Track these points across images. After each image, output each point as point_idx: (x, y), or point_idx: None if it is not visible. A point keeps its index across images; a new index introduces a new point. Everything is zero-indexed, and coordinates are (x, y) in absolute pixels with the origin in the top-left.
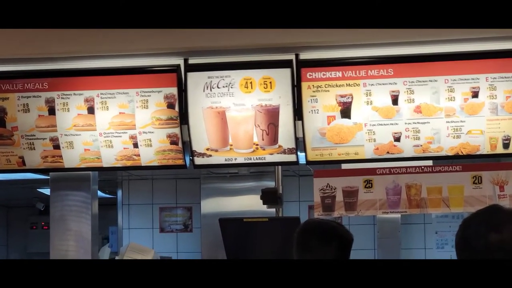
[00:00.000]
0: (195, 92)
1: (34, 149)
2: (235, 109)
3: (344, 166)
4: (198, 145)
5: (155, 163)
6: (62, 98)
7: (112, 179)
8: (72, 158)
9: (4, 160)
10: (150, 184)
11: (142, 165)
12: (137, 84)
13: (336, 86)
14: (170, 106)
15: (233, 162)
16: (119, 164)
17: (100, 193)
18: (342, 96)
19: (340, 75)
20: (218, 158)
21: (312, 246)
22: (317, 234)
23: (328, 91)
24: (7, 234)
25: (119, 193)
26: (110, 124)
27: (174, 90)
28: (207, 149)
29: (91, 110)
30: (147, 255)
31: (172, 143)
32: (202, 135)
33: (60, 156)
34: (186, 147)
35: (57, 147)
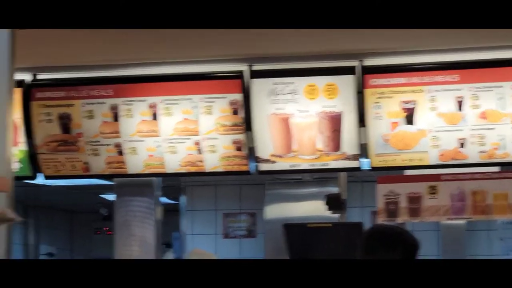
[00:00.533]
0: (260, 98)
1: (99, 155)
2: (299, 116)
3: (408, 172)
4: (262, 151)
5: (220, 169)
6: (126, 104)
7: (175, 185)
8: (136, 164)
9: (69, 166)
10: (213, 190)
11: (206, 171)
12: (201, 90)
13: (400, 92)
14: (235, 112)
15: (297, 168)
16: (183, 170)
17: (163, 199)
18: (406, 102)
19: (404, 81)
20: (282, 164)
21: (377, 251)
22: (382, 240)
23: (392, 97)
24: (71, 239)
25: (183, 199)
26: (174, 130)
27: (238, 96)
28: (272, 155)
29: (155, 116)
30: None
31: (237, 149)
32: (267, 141)
33: (124, 162)
34: (250, 153)
35: (121, 153)
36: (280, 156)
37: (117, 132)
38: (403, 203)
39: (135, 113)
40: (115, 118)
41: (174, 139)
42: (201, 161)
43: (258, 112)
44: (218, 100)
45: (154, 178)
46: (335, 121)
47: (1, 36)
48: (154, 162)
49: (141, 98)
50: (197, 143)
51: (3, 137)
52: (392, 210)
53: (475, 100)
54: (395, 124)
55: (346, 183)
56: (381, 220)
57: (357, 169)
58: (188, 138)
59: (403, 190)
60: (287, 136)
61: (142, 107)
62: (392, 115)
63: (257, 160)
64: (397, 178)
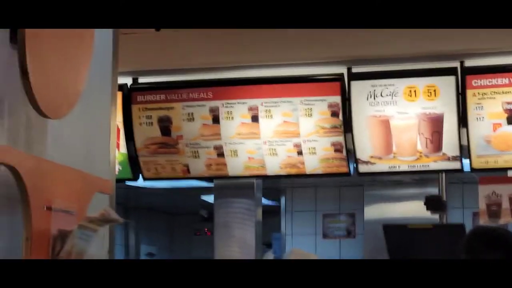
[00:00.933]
0: (359, 100)
1: (199, 157)
2: (399, 118)
3: (510, 173)
4: (362, 153)
5: (319, 171)
6: (226, 107)
7: (275, 187)
8: (236, 166)
9: (170, 169)
10: (313, 192)
11: (307, 173)
12: (301, 92)
13: (503, 93)
14: (334, 114)
15: (397, 169)
16: (283, 172)
17: (264, 200)
18: (509, 103)
19: (507, 81)
20: (381, 166)
21: (479, 252)
22: (485, 241)
23: (494, 98)
24: (171, 240)
25: (283, 200)
26: (274, 132)
27: (337, 99)
28: (371, 157)
29: (255, 119)
30: None
31: (336, 151)
32: (366, 143)
33: (225, 164)
34: (350, 155)
35: (221, 155)
36: (379, 158)
37: (217, 134)
38: (505, 204)
39: (235, 116)
40: (215, 120)
41: (275, 141)
42: (301, 163)
43: (357, 114)
44: (317, 102)
45: (255, 180)
46: (435, 123)
47: (105, 39)
48: (255, 164)
49: (241, 101)
50: (297, 145)
51: (107, 140)
52: (494, 211)
53: None
54: (497, 125)
55: (446, 184)
56: (483, 221)
57: (458, 170)
58: (288, 141)
59: (505, 191)
60: (387, 138)
61: (242, 110)
62: (494, 116)
63: (356, 161)
64: (499, 179)
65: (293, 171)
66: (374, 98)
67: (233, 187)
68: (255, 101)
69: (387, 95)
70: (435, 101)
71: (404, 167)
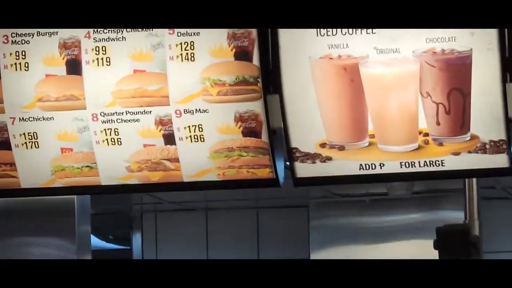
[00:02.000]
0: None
1: None
2: (380, 62)
3: None
4: (302, 138)
5: (212, 177)
6: (12, 42)
7: (118, 211)
8: (36, 168)
9: None
10: (200, 220)
11: (184, 180)
12: None
13: None
14: (242, 56)
15: (377, 171)
16: (134, 179)
17: (99, 242)
18: None
19: None
20: (344, 165)
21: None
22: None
23: None
24: None
25: (136, 239)
26: (114, 94)
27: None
28: (322, 146)
29: (73, 66)
30: None
31: (248, 133)
32: (311, 118)
33: (13, 166)
34: (276, 142)
35: (3, 145)
36: (340, 148)
37: None
38: None
39: (32, 61)
40: None
41: (116, 112)
42: (172, 159)
43: (292, 55)
44: (206, 34)
45: (75, 198)
46: (456, 72)
47: None
48: (75, 163)
49: (41, 32)
50: (162, 122)
51: None
52: None
53: None
54: None
55: (477, 202)
56: None
57: (505, 172)
58: (144, 112)
59: None
60: (355, 106)
61: (44, 49)
62: None
63: (291, 156)
64: None
65: (156, 176)
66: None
67: (29, 211)
68: (73, 33)
69: None
70: (453, 31)
71: (391, 166)
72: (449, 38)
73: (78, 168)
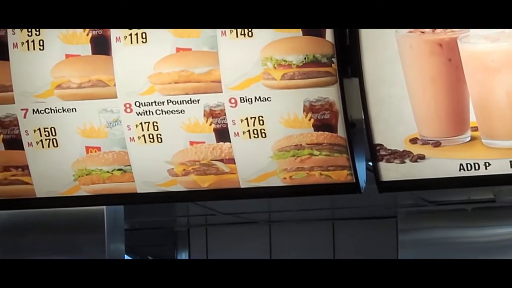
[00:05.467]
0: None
1: None
2: (485, 38)
3: None
4: (388, 133)
5: (277, 181)
6: None
7: (157, 224)
8: (56, 172)
9: None
10: (263, 236)
11: (242, 186)
12: None
13: None
14: (313, 32)
15: (481, 172)
16: (179, 185)
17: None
18: None
19: None
20: (441, 164)
21: None
22: None
23: None
24: None
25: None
26: (152, 79)
27: None
28: (412, 142)
29: (102, 46)
30: None
31: (320, 127)
32: (399, 108)
33: (27, 170)
34: (355, 137)
35: (15, 144)
36: (435, 143)
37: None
38: None
39: (49, 41)
40: None
41: (154, 102)
42: (226, 160)
43: (375, 33)
44: None
45: (105, 209)
46: None
47: None
48: (104, 165)
49: None
50: (214, 113)
51: None
52: None
53: None
54: None
55: None
56: None
57: None
58: (191, 99)
59: None
60: (453, 93)
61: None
62: None
63: (374, 155)
64: None
65: (205, 181)
66: None
67: (46, 226)
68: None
69: None
70: None
71: (499, 166)
72: None
73: (108, 172)
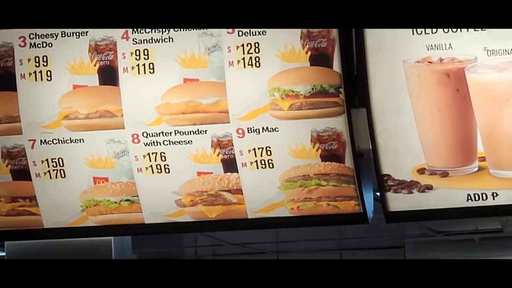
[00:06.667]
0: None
1: None
2: (489, 67)
3: None
4: (395, 163)
5: (284, 211)
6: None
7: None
8: (63, 204)
9: None
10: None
11: (249, 217)
12: None
13: None
14: (321, 60)
15: (489, 203)
16: (187, 215)
17: None
18: None
19: None
20: (448, 194)
21: None
22: None
23: None
24: None
25: None
26: (160, 109)
27: (332, 32)
28: (420, 172)
29: (108, 75)
30: None
31: (327, 158)
32: (406, 137)
33: (35, 200)
34: (362, 168)
35: (22, 174)
36: (443, 173)
37: (9, 118)
38: None
39: (56, 71)
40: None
41: (162, 132)
42: (234, 190)
43: (383, 61)
44: (272, 33)
45: (112, 239)
46: None
47: None
48: (111, 196)
49: (65, 32)
50: (221, 144)
51: None
52: None
53: None
54: None
55: None
56: None
57: None
58: (198, 130)
59: None
60: (461, 121)
61: (70, 54)
62: None
63: (382, 186)
64: None
65: (213, 211)
66: None
67: (53, 256)
68: (107, 33)
69: None
70: None
71: (506, 196)
72: None
73: (116, 202)
